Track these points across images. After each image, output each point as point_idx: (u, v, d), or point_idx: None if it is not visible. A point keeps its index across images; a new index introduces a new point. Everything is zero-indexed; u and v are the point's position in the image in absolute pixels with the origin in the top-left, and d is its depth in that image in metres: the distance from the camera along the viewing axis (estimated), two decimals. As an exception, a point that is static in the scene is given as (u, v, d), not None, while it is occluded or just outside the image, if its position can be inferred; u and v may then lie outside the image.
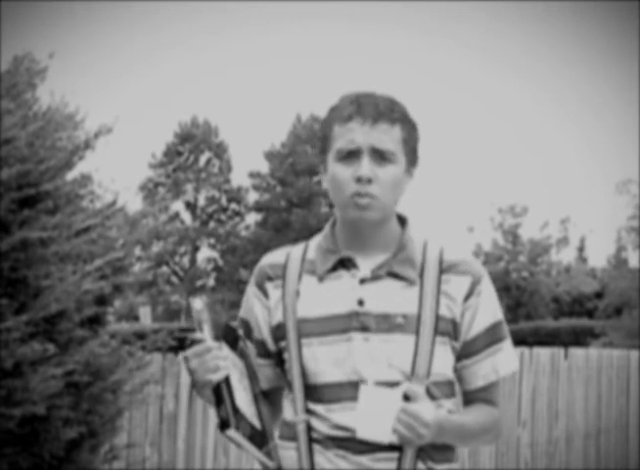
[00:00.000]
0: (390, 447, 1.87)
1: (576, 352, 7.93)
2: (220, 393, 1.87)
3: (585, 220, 64.96)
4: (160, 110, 64.80)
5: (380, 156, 1.93)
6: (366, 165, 1.91)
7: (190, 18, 62.41)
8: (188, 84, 63.59)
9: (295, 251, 2.06)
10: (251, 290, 2.06)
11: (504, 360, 2.04)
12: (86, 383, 3.40)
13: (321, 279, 1.97)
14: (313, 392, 1.94)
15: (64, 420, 3.28)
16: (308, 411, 1.94)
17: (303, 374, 1.95)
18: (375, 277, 1.96)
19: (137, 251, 4.03)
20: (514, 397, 7.03)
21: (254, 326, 2.04)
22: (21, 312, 3.13)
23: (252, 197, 45.40)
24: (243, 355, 2.01)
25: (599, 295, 30.63)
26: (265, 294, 2.03)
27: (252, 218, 45.71)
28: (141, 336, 3.99)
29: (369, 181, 1.91)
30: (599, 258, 71.82)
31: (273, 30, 63.91)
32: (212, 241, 44.85)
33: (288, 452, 1.95)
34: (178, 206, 45.12)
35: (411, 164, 2.01)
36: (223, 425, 1.85)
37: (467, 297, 1.97)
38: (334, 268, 1.98)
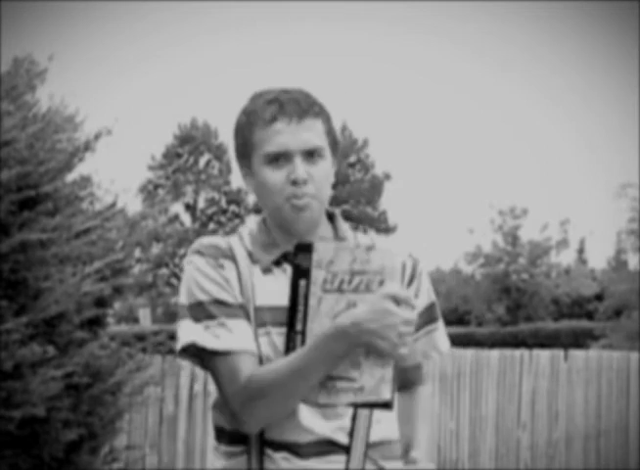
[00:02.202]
0: (341, 448, 1.84)
1: (576, 354, 7.93)
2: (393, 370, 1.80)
3: (585, 222, 65.03)
4: (159, 111, 64.87)
5: (310, 154, 1.87)
6: (300, 167, 1.86)
7: (190, 18, 62.41)
8: (188, 85, 63.64)
9: (232, 240, 1.96)
10: (207, 263, 1.88)
11: (441, 339, 2.07)
12: (86, 385, 3.40)
13: (266, 271, 1.90)
14: None
15: (63, 422, 3.28)
16: None
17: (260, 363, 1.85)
18: None
19: (137, 252, 4.03)
20: (514, 398, 7.03)
21: (227, 290, 1.87)
22: (20, 314, 3.13)
23: (252, 199, 45.41)
24: None
25: (599, 297, 30.66)
26: (222, 267, 1.89)
27: (252, 220, 45.73)
28: (141, 338, 4.00)
29: (304, 182, 1.86)
30: (599, 259, 71.92)
31: (273, 31, 63.99)
32: (212, 243, 44.81)
33: (235, 460, 1.88)
34: (178, 207, 45.14)
35: (334, 154, 1.96)
36: (387, 405, 1.79)
37: (410, 279, 1.98)
38: (277, 262, 1.91)
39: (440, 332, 2.07)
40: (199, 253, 1.91)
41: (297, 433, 1.84)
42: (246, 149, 1.92)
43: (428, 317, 2.03)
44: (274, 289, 1.89)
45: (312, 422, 1.84)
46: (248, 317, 1.86)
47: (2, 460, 3.15)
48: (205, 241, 1.94)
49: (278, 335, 1.85)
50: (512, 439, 7.00)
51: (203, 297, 1.87)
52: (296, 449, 1.83)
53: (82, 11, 56.19)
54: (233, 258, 1.90)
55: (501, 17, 59.68)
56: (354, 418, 1.85)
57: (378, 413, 1.88)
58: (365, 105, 61.14)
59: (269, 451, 1.85)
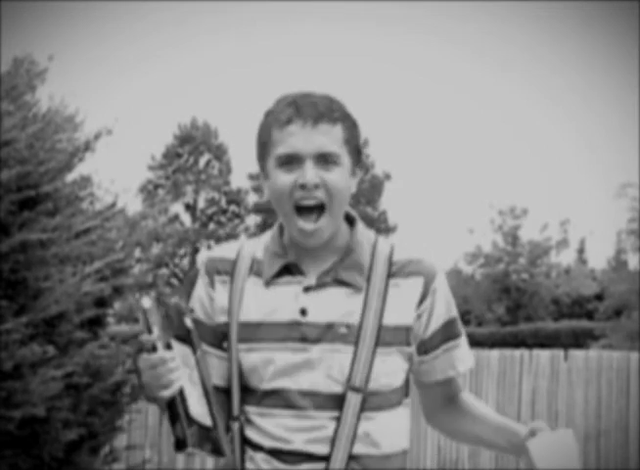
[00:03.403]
0: (319, 458, 1.84)
1: (576, 354, 7.93)
2: (174, 409, 1.79)
3: (585, 222, 64.98)
4: (159, 111, 64.87)
5: (324, 159, 1.83)
6: (310, 171, 1.81)
7: (190, 18, 62.44)
8: (188, 86, 63.64)
9: (246, 247, 1.96)
10: (201, 279, 1.96)
11: (461, 357, 2.01)
12: (86, 384, 3.40)
13: (267, 284, 1.90)
14: (248, 395, 1.90)
15: (63, 422, 3.28)
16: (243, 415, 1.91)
17: (241, 377, 1.90)
18: (320, 285, 1.88)
19: (137, 252, 4.03)
20: (513, 399, 7.03)
21: (207, 311, 1.94)
22: (20, 314, 3.13)
23: (252, 199, 45.43)
24: (192, 344, 1.88)
25: (599, 297, 30.65)
26: (212, 285, 1.94)
27: (252, 220, 45.74)
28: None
29: (315, 187, 1.82)
30: (599, 259, 71.85)
31: (273, 31, 64.00)
32: (212, 243, 44.86)
33: (225, 459, 1.90)
34: (178, 207, 45.13)
35: (355, 163, 1.90)
36: (179, 444, 1.79)
37: (421, 299, 1.90)
38: (280, 274, 1.89)
39: (461, 350, 2.01)
40: (203, 263, 1.97)
41: (275, 440, 1.85)
42: (263, 150, 1.90)
43: (446, 335, 1.96)
44: (270, 303, 1.89)
45: (286, 434, 1.85)
46: (216, 339, 1.92)
47: (2, 460, 3.15)
48: (213, 253, 1.98)
49: (258, 352, 1.87)
50: (512, 439, 6.99)
51: (191, 307, 1.97)
52: (276, 455, 1.85)
53: (82, 11, 56.18)
54: (231, 274, 1.92)
55: (501, 17, 59.70)
56: (337, 428, 1.84)
57: (369, 430, 1.87)
58: (365, 105, 61.16)
59: (249, 452, 1.88)
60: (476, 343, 26.88)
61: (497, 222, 33.77)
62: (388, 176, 46.01)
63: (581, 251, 41.85)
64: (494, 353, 6.94)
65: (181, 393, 1.80)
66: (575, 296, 34.01)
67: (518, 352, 7.20)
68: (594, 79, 61.12)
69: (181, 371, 1.79)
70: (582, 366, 7.89)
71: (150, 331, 1.78)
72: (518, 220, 33.73)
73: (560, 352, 7.69)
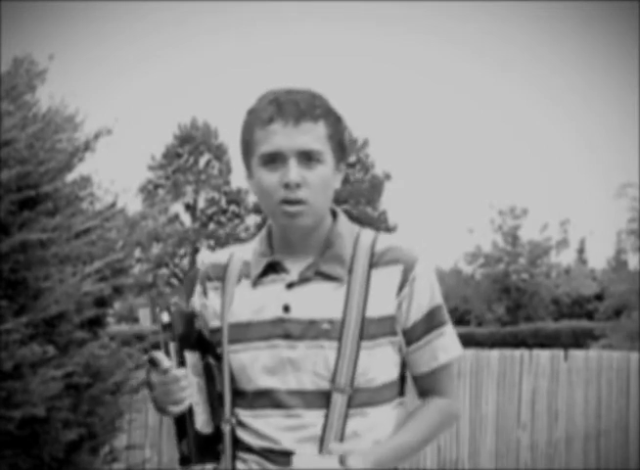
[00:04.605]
0: None
1: (576, 354, 7.93)
2: (182, 425, 1.82)
3: (585, 222, 65.01)
4: (159, 111, 64.87)
5: (306, 157, 1.83)
6: (293, 170, 1.81)
7: (189, 18, 62.45)
8: (188, 86, 63.63)
9: (238, 251, 1.99)
10: (197, 288, 2.00)
11: (444, 346, 1.94)
12: (86, 385, 3.40)
13: (254, 284, 1.91)
14: (238, 398, 1.91)
15: (63, 422, 3.28)
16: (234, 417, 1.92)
17: (232, 379, 1.91)
18: (303, 280, 1.88)
19: (137, 252, 4.03)
20: (513, 399, 7.03)
21: (203, 316, 1.98)
22: (20, 314, 3.13)
23: (252, 199, 45.44)
24: (201, 348, 1.92)
25: (599, 297, 30.68)
26: (205, 293, 1.97)
27: (252, 220, 45.74)
28: (141, 338, 4.00)
29: (298, 186, 1.81)
30: (599, 259, 71.84)
31: (273, 31, 63.99)
32: (212, 243, 44.87)
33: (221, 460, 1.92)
34: (178, 207, 45.16)
35: (339, 159, 1.90)
36: (183, 460, 1.82)
37: (400, 287, 1.87)
38: (265, 273, 1.90)
39: (445, 338, 1.95)
40: (199, 272, 2.01)
41: (267, 441, 1.86)
42: (246, 149, 1.90)
43: (429, 325, 1.92)
44: (256, 302, 1.90)
45: (276, 433, 1.85)
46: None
47: (2, 460, 3.15)
48: (208, 260, 2.01)
49: (245, 352, 1.88)
50: (512, 439, 7.00)
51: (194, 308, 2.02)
52: (267, 455, 1.86)
53: (82, 11, 56.18)
54: (223, 279, 1.95)
55: (501, 17, 59.69)
56: (324, 428, 1.83)
57: (358, 427, 1.85)
58: (365, 105, 61.10)
59: (241, 453, 1.89)
60: (476, 343, 26.89)
61: (497, 222, 33.80)
62: (388, 176, 46.00)
63: (581, 251, 41.88)
64: (494, 353, 6.94)
65: (190, 410, 1.82)
66: (575, 296, 34.03)
67: (518, 352, 7.20)
68: (594, 79, 61.12)
69: (192, 388, 1.83)
70: (582, 366, 7.89)
71: (166, 347, 1.81)
72: (518, 220, 33.75)
73: (560, 352, 7.69)
